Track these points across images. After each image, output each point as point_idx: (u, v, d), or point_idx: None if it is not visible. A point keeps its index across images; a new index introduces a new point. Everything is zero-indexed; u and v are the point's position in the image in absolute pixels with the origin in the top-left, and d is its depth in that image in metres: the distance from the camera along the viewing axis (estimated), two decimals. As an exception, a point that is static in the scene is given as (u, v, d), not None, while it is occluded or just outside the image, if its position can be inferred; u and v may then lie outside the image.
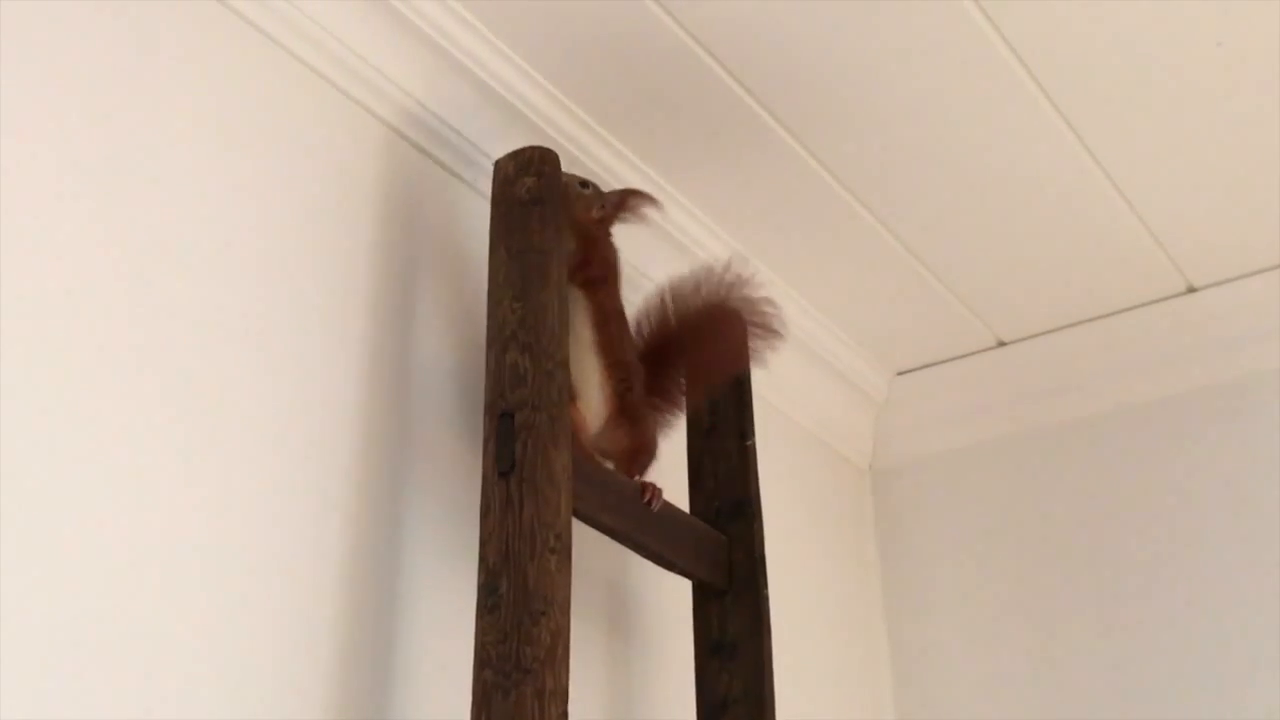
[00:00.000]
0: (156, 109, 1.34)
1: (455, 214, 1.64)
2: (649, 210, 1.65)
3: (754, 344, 1.72)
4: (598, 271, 1.57)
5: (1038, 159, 1.86)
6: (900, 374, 2.34)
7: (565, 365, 1.42)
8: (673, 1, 1.60)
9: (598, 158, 1.77)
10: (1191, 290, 2.12)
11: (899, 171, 1.89)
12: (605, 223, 1.61)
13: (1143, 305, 2.14)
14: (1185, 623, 2.03)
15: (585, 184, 1.60)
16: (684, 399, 1.70)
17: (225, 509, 1.30)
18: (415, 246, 1.58)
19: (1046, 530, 2.18)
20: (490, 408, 1.40)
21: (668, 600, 1.75)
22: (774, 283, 2.06)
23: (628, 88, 1.72)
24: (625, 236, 1.69)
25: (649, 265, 1.86)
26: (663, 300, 1.70)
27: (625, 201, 1.63)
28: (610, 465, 1.58)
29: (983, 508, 2.25)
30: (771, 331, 1.72)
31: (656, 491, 1.56)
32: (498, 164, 1.53)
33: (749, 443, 1.71)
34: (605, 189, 1.64)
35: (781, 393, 2.14)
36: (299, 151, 1.48)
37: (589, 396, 1.54)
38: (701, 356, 1.69)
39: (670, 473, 1.66)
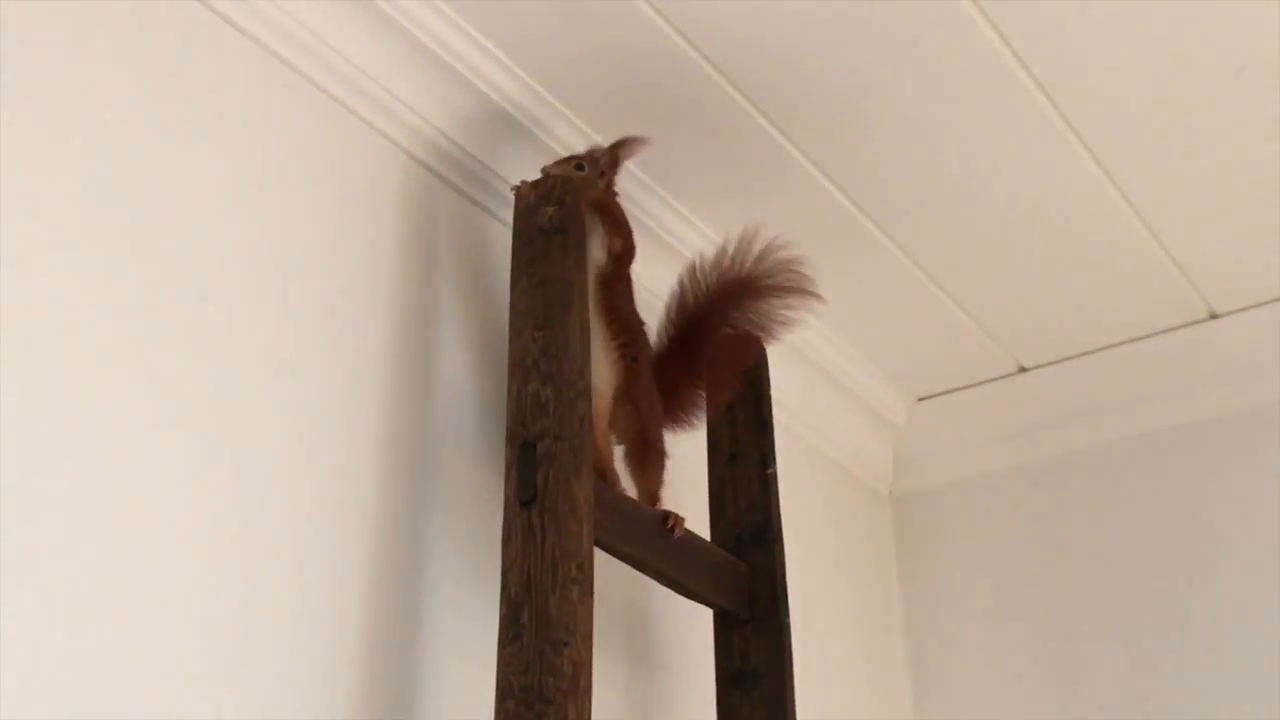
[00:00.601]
0: (182, 139, 1.35)
1: (476, 242, 1.64)
2: (642, 149, 1.62)
3: (782, 311, 1.68)
4: (626, 247, 1.57)
5: (1059, 184, 1.86)
6: (921, 400, 2.33)
7: (588, 395, 1.42)
8: (693, 29, 1.60)
9: (617, 184, 1.77)
10: (1214, 316, 2.11)
11: (919, 197, 1.89)
12: (611, 186, 1.61)
13: (1164, 331, 2.13)
14: (1208, 650, 2.01)
15: (579, 165, 1.59)
16: (715, 387, 1.68)
17: (245, 540, 1.29)
18: (436, 274, 1.59)
19: (1068, 557, 2.17)
20: (512, 437, 1.40)
21: (688, 629, 1.74)
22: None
23: (647, 114, 1.71)
24: (644, 262, 1.69)
25: (666, 290, 1.86)
26: (681, 283, 1.68)
27: (617, 156, 1.62)
28: (625, 487, 1.57)
29: (1004, 534, 2.24)
30: (802, 294, 1.68)
31: (678, 519, 1.55)
32: (519, 193, 1.53)
33: (770, 470, 1.71)
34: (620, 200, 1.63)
35: (802, 419, 2.14)
36: (320, 180, 1.49)
37: (595, 360, 1.50)
38: (720, 340, 1.66)
39: (691, 500, 1.65)
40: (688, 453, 1.69)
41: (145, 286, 1.28)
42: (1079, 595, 2.14)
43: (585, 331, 1.46)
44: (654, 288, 1.84)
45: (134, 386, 1.24)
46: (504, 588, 1.34)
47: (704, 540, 1.63)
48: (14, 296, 1.16)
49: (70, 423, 1.18)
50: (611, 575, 1.55)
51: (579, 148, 1.72)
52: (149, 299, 1.28)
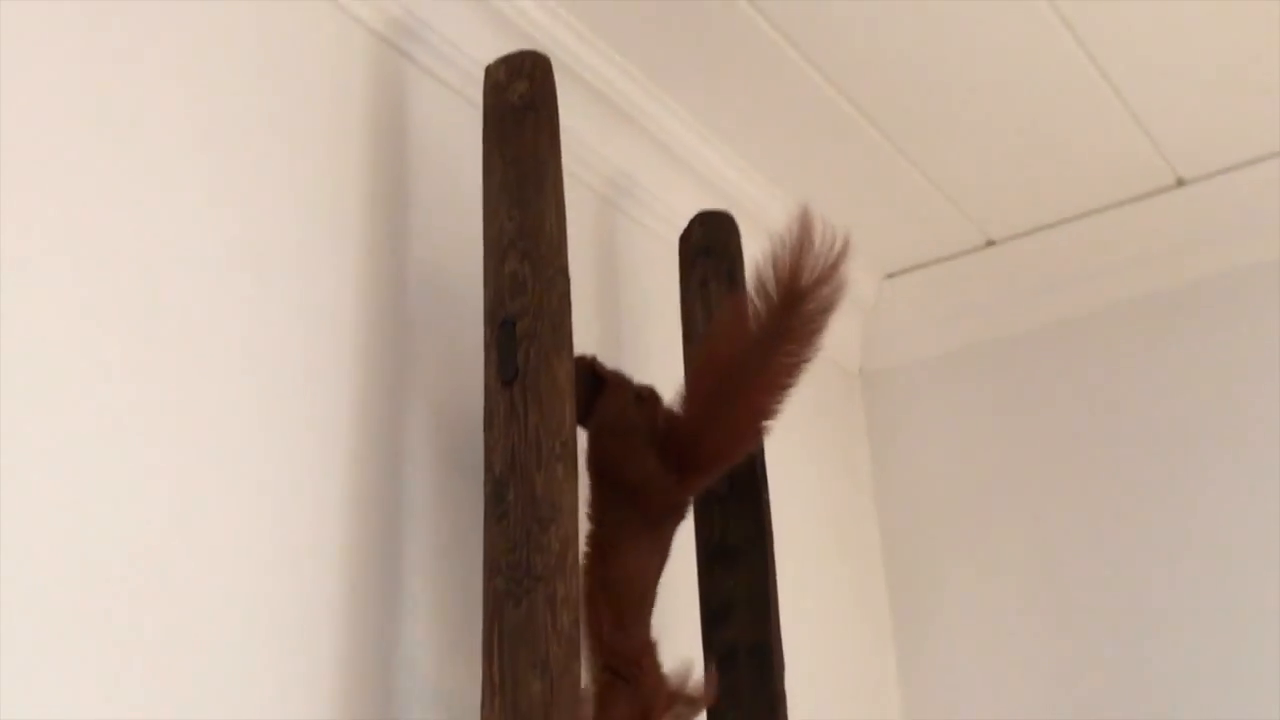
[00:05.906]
0: (133, 17, 1.30)
1: (445, 122, 1.61)
2: None
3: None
4: None
5: (1025, 49, 1.83)
6: (889, 276, 2.33)
7: (565, 272, 1.41)
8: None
9: (587, 62, 1.75)
10: (1181, 184, 2.10)
11: (885, 67, 1.86)
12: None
13: (1132, 200, 2.13)
14: (1182, 521, 2.03)
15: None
16: None
17: (218, 426, 1.27)
18: (406, 157, 1.56)
19: (1040, 430, 2.18)
20: (491, 316, 1.38)
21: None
22: (759, 184, 2.05)
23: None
24: (617, 148, 1.65)
25: (640, 172, 1.84)
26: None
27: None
28: None
29: (975, 409, 2.25)
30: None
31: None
32: (488, 70, 1.50)
33: (747, 347, 1.70)
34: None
35: (770, 297, 2.12)
36: (283, 60, 1.45)
37: None
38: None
39: (666, 377, 1.64)
40: (663, 329, 1.68)
41: (101, 182, 1.24)
42: (1052, 469, 2.15)
43: (561, 208, 1.44)
44: (631, 170, 1.81)
45: (83, 291, 1.21)
46: (488, 468, 1.33)
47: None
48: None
49: (30, 401, 1.14)
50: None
51: (544, 23, 1.69)
52: (110, 191, 1.24)
